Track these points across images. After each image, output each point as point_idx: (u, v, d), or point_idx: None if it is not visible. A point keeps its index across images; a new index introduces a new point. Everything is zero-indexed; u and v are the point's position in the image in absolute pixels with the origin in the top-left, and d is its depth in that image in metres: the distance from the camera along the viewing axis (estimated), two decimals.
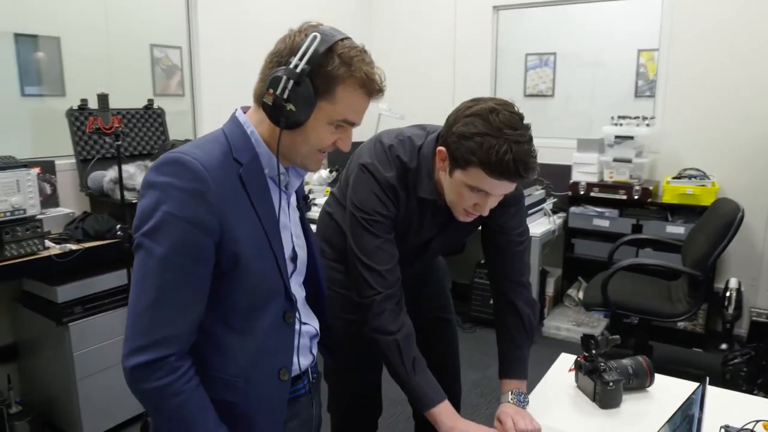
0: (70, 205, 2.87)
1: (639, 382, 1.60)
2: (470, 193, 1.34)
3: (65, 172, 2.88)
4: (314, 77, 1.00)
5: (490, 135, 1.25)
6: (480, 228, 1.66)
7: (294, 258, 1.16)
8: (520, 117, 1.31)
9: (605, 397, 1.53)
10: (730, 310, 3.54)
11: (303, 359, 1.20)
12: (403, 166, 1.47)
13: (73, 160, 2.87)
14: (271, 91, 0.99)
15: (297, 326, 1.16)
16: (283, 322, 1.11)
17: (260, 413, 1.11)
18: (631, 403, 1.56)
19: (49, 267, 2.36)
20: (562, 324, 3.83)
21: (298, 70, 0.99)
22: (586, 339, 1.61)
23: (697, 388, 1.25)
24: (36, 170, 2.37)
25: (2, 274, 2.25)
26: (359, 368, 1.75)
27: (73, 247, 2.42)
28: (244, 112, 1.11)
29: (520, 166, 1.25)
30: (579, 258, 3.93)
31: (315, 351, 1.26)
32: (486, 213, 1.39)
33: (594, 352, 1.58)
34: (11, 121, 2.93)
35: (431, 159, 1.44)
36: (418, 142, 1.49)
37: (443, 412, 1.40)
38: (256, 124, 1.08)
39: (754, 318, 3.55)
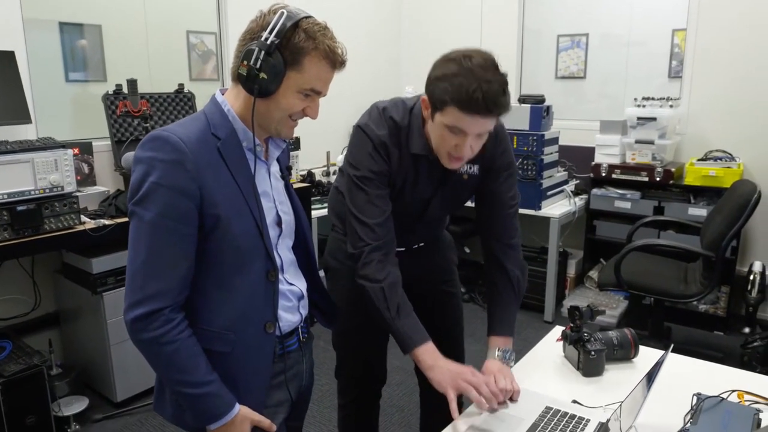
0: (107, 183, 3.07)
1: (624, 353, 1.67)
2: (450, 134, 1.42)
3: (102, 153, 3.07)
4: (283, 49, 1.12)
5: (461, 75, 1.34)
6: (475, 196, 1.75)
7: (279, 222, 1.29)
8: (494, 63, 1.39)
9: (587, 366, 1.60)
10: (754, 294, 3.51)
11: (291, 317, 1.32)
12: (395, 125, 1.57)
13: (109, 142, 3.06)
14: (245, 62, 1.12)
15: (282, 285, 1.28)
16: (266, 279, 1.23)
17: (249, 363, 1.23)
18: (614, 372, 1.63)
19: (84, 240, 2.54)
20: (582, 304, 3.83)
21: (269, 42, 1.11)
22: (572, 310, 1.69)
23: (663, 355, 1.31)
24: (72, 150, 2.54)
25: (42, 245, 2.44)
26: (364, 336, 1.87)
27: (107, 222, 2.60)
28: (223, 94, 1.23)
29: (489, 102, 1.33)
30: (601, 240, 3.94)
31: (303, 311, 1.37)
32: (466, 153, 1.45)
33: (578, 322, 1.66)
34: (56, 105, 3.11)
35: (421, 117, 1.54)
36: (410, 103, 1.60)
37: (425, 351, 1.49)
38: (232, 101, 1.21)
39: None
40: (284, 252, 1.32)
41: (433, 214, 1.75)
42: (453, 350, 1.98)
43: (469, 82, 1.33)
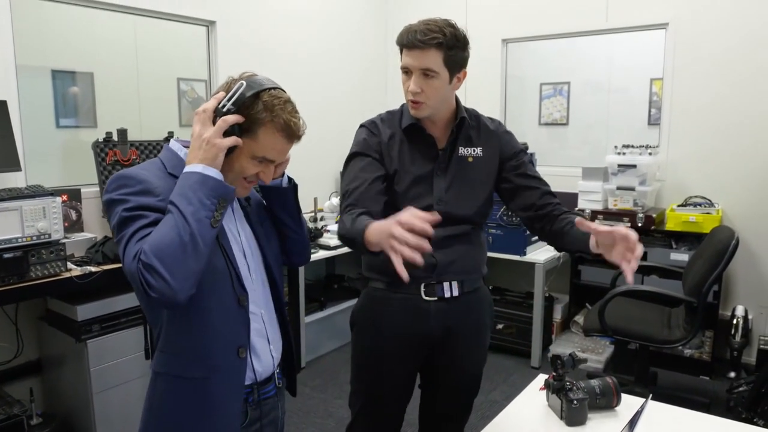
0: (94, 230, 3.07)
1: (606, 401, 1.68)
2: (405, 77, 1.70)
3: (90, 200, 3.08)
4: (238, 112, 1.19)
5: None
6: (498, 192, 1.88)
7: (244, 254, 1.33)
8: (432, 21, 1.66)
9: (570, 415, 1.61)
10: (737, 338, 3.54)
11: (264, 358, 1.35)
12: (388, 113, 1.86)
13: (97, 189, 3.08)
14: None
15: (253, 309, 1.32)
16: (237, 304, 1.27)
17: (223, 389, 1.26)
18: (597, 421, 1.64)
19: (70, 287, 2.54)
20: (568, 350, 3.86)
21: (225, 110, 1.18)
22: (554, 359, 1.70)
23: (643, 403, 1.33)
24: (60, 198, 2.56)
25: (28, 293, 2.43)
26: (383, 399, 1.90)
27: (93, 269, 2.60)
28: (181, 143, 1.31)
29: (409, 35, 1.62)
30: (586, 285, 3.98)
31: (276, 355, 1.40)
32: (414, 90, 1.66)
33: (560, 371, 1.67)
34: (46, 151, 3.15)
35: None
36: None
37: (368, 233, 1.43)
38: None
39: (762, 346, 3.54)
40: (259, 289, 1.36)
41: (444, 201, 1.77)
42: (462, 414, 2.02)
43: (404, 28, 1.66)
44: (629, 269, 1.37)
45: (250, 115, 1.19)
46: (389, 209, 1.78)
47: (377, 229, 1.38)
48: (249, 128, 1.19)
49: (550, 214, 1.80)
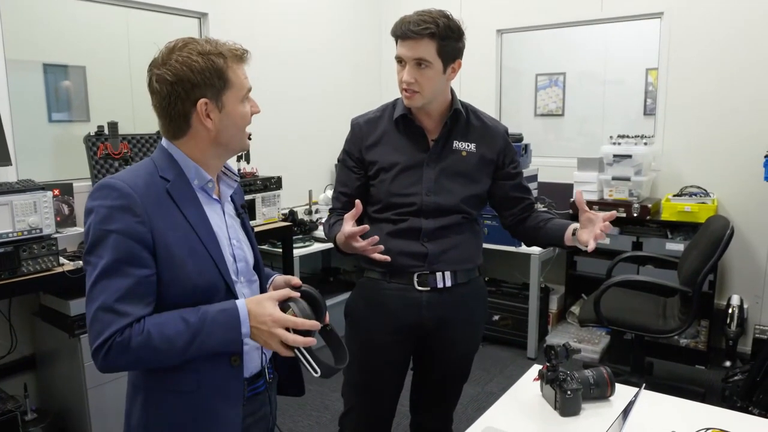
0: None
1: (600, 391, 1.68)
2: (399, 67, 1.72)
3: (83, 194, 3.05)
4: (213, 80, 1.19)
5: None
6: (490, 193, 1.92)
7: (235, 260, 1.29)
8: (427, 12, 1.68)
9: (564, 405, 1.61)
10: (733, 327, 3.55)
11: (253, 358, 1.32)
12: (384, 105, 1.89)
13: (90, 183, 3.06)
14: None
15: None
16: None
17: (218, 400, 1.22)
18: (591, 411, 1.64)
19: (63, 282, 2.51)
20: (564, 341, 3.84)
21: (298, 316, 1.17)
22: (548, 349, 1.70)
23: (636, 392, 1.33)
24: (51, 192, 2.54)
25: (19, 288, 2.41)
26: (377, 391, 1.92)
27: None
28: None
29: (403, 26, 1.65)
30: (581, 275, 3.97)
31: (268, 352, 1.37)
32: (408, 80, 1.69)
33: (554, 362, 1.67)
34: (38, 146, 3.12)
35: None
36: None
37: (338, 240, 1.74)
38: (180, 146, 1.25)
39: (757, 335, 3.54)
40: (247, 291, 1.32)
41: (432, 191, 1.77)
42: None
43: (399, 20, 1.68)
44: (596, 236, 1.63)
45: (216, 74, 1.18)
46: (380, 198, 1.80)
47: (341, 241, 1.68)
48: (224, 84, 1.20)
49: (525, 218, 1.93)
